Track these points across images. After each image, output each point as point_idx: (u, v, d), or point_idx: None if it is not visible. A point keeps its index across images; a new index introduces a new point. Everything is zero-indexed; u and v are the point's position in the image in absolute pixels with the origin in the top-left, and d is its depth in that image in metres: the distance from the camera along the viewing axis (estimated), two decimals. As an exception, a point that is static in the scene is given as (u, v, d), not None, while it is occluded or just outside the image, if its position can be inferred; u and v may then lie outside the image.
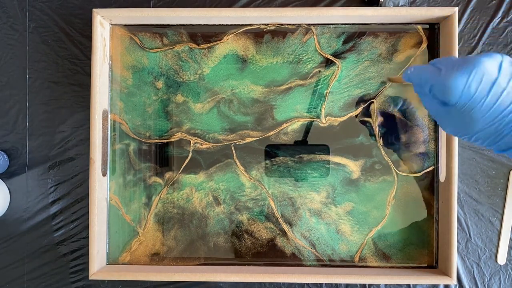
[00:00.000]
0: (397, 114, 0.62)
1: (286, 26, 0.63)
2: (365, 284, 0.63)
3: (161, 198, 0.64)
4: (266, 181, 0.63)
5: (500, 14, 0.63)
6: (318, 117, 0.63)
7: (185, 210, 0.64)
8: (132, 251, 0.63)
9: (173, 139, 0.64)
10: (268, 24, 0.63)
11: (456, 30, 0.57)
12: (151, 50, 0.64)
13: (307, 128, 0.63)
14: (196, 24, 0.63)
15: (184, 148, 0.64)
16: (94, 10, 0.59)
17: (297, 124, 0.63)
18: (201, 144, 0.63)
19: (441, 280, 0.58)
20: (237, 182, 0.63)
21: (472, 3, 0.63)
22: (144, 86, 0.64)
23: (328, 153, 0.63)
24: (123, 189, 0.64)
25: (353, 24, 0.62)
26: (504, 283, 0.63)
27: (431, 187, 0.63)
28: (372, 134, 0.63)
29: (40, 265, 0.65)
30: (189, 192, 0.64)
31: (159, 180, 0.64)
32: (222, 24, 0.63)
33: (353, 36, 0.63)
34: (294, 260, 0.63)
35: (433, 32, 0.62)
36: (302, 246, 0.63)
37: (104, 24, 0.61)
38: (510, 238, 0.63)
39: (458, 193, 0.60)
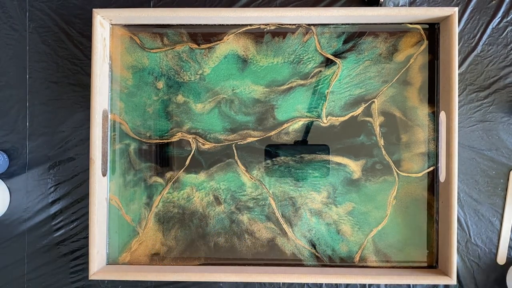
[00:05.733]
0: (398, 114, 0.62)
1: (286, 26, 0.63)
2: (365, 284, 0.63)
3: (161, 198, 0.64)
4: (267, 181, 0.63)
5: (500, 14, 0.63)
6: (319, 116, 0.63)
7: (186, 210, 0.64)
8: (132, 251, 0.63)
9: (174, 139, 0.64)
10: (268, 24, 0.63)
11: (456, 30, 0.58)
12: (151, 50, 0.64)
13: (307, 128, 0.63)
14: (196, 24, 0.63)
15: (184, 148, 0.64)
16: (94, 10, 0.59)
17: (298, 124, 0.63)
18: (203, 144, 0.63)
19: (441, 280, 0.58)
20: (238, 181, 0.63)
21: (472, 3, 0.63)
22: (144, 86, 0.64)
23: (329, 153, 0.63)
24: (123, 189, 0.64)
25: (353, 24, 0.62)
26: (504, 283, 0.63)
27: (431, 187, 0.63)
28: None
29: (40, 265, 0.65)
30: (189, 192, 0.63)
31: (159, 179, 0.64)
32: (222, 24, 0.63)
33: (354, 36, 0.63)
34: (294, 260, 0.63)
35: (433, 32, 0.62)
36: (302, 246, 0.63)
37: (104, 24, 0.61)
38: (510, 238, 0.63)
39: (458, 193, 0.60)
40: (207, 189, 0.63)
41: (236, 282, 0.64)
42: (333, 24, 0.62)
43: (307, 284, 0.64)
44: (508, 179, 0.63)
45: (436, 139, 0.62)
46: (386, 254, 0.63)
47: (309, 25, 0.62)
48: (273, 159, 0.63)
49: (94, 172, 0.59)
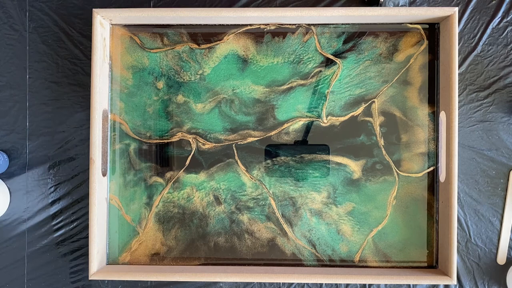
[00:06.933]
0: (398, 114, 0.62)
1: (286, 26, 0.63)
2: (365, 284, 0.63)
3: (162, 198, 0.64)
4: (267, 181, 0.63)
5: (500, 14, 0.63)
6: (319, 116, 0.63)
7: (186, 210, 0.64)
8: (132, 251, 0.63)
9: (174, 139, 0.64)
10: (268, 24, 0.63)
11: (456, 30, 0.58)
12: (151, 51, 0.64)
13: (308, 128, 0.63)
14: (196, 24, 0.63)
15: (185, 148, 0.64)
16: (94, 10, 0.59)
17: (298, 124, 0.63)
18: (203, 144, 0.63)
19: (441, 280, 0.58)
20: (238, 181, 0.63)
21: (472, 3, 0.63)
22: (144, 86, 0.64)
23: (329, 153, 0.63)
24: (123, 189, 0.64)
25: (353, 24, 0.62)
26: (504, 283, 0.63)
27: (431, 187, 0.63)
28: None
29: (40, 265, 0.65)
30: (190, 192, 0.63)
31: (160, 179, 0.64)
32: (223, 24, 0.63)
33: (354, 36, 0.63)
34: (294, 260, 0.63)
35: (433, 32, 0.62)
36: (302, 246, 0.63)
37: (104, 24, 0.61)
38: (510, 238, 0.63)
39: (458, 193, 0.61)
40: (207, 189, 0.63)
41: (236, 282, 0.64)
42: (333, 24, 0.62)
43: (307, 284, 0.64)
44: (508, 179, 0.63)
45: (436, 139, 0.62)
46: (386, 254, 0.63)
47: (309, 25, 0.62)
48: (273, 159, 0.63)
49: (94, 172, 0.59)
